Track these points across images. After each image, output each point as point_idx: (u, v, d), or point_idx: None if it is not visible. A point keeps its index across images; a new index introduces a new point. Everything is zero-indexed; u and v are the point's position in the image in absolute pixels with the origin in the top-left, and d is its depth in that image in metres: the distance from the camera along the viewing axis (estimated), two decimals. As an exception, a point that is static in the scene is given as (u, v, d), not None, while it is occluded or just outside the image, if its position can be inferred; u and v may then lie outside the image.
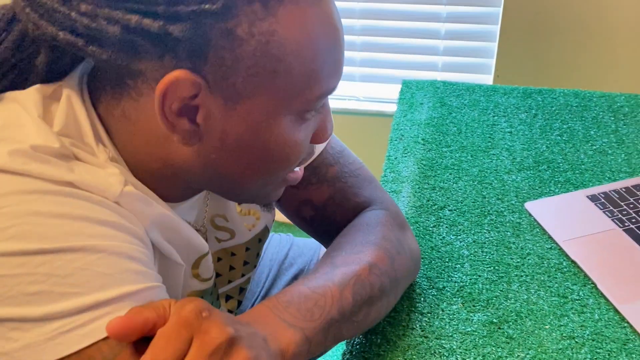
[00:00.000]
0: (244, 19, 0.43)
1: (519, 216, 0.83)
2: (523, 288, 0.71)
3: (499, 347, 0.64)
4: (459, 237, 0.80)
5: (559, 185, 0.89)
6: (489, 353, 0.63)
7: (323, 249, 0.96)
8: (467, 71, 1.70)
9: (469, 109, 1.11)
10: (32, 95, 0.48)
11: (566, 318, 0.67)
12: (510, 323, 0.67)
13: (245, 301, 0.90)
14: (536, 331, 0.66)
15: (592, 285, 0.72)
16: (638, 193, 0.85)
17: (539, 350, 0.64)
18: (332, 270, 0.57)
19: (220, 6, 0.43)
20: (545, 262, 0.75)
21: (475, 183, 0.91)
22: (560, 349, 0.64)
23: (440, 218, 0.83)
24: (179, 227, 0.55)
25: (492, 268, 0.74)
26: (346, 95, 1.83)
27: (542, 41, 1.52)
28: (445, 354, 0.63)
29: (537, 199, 0.86)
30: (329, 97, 0.54)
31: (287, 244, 0.96)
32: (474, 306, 0.69)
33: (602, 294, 0.70)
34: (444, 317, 0.68)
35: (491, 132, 1.03)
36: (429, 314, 0.68)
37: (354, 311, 0.55)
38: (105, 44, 0.44)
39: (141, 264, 0.46)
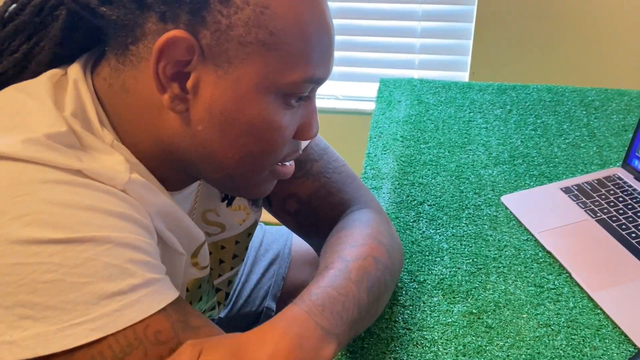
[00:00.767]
0: None
1: (495, 209, 0.86)
2: (501, 279, 0.74)
3: (478, 337, 0.66)
4: (438, 231, 0.82)
5: (534, 178, 0.92)
6: (469, 343, 0.65)
7: (295, 236, 0.97)
8: (443, 68, 1.72)
9: (445, 106, 1.13)
10: (43, 84, 0.50)
11: (542, 307, 0.70)
12: (489, 313, 0.69)
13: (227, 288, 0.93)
14: (514, 320, 0.68)
15: (567, 274, 0.74)
16: (609, 184, 0.88)
17: (517, 338, 0.66)
18: (345, 265, 0.57)
19: None
20: (521, 253, 0.78)
21: (453, 178, 0.93)
22: (537, 337, 0.66)
23: (420, 213, 0.85)
24: (181, 217, 0.56)
25: (470, 260, 0.77)
26: (325, 94, 1.84)
27: (515, 38, 1.56)
28: (427, 344, 0.65)
29: (512, 192, 0.89)
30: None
31: (261, 232, 0.99)
32: (454, 298, 0.71)
33: (576, 282, 0.73)
34: (425, 309, 0.70)
35: (467, 128, 1.05)
36: (411, 307, 0.70)
37: (369, 309, 0.57)
38: (115, 2, 0.48)
39: (147, 255, 0.47)
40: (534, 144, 1.00)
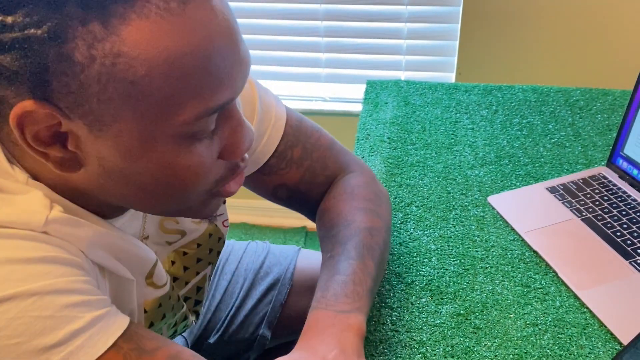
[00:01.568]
0: (80, 42, 0.39)
1: (482, 210, 0.86)
2: (488, 279, 0.74)
3: (466, 338, 0.66)
4: (426, 232, 0.82)
5: (520, 178, 0.93)
6: (457, 343, 0.66)
7: (300, 256, 0.95)
8: (430, 70, 1.73)
9: (432, 107, 1.13)
10: None
11: (529, 306, 0.70)
12: (477, 314, 0.69)
13: (219, 312, 0.89)
14: (501, 320, 0.69)
15: (554, 273, 0.75)
16: (594, 184, 0.89)
17: (504, 338, 0.66)
18: (343, 247, 0.63)
19: (47, 30, 0.39)
20: (508, 253, 0.78)
21: (440, 179, 0.93)
22: (524, 336, 0.66)
23: (408, 214, 0.86)
24: (119, 242, 0.53)
25: (458, 261, 0.77)
26: (313, 96, 1.84)
27: (501, 39, 1.57)
28: (415, 346, 0.66)
29: (499, 192, 0.89)
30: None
31: (263, 253, 0.94)
32: (441, 299, 0.71)
33: (562, 281, 0.73)
34: (414, 310, 0.70)
35: (454, 129, 1.06)
36: (399, 309, 0.70)
37: (377, 272, 0.64)
38: None
39: (83, 294, 0.44)
40: (520, 144, 1.01)
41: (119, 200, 0.50)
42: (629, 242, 0.77)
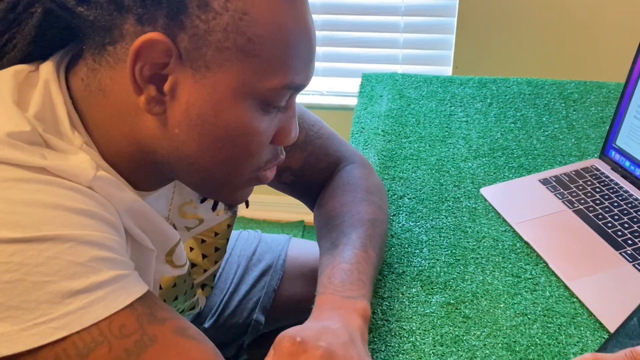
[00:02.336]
0: None
1: (474, 201, 0.87)
2: (479, 270, 0.75)
3: (456, 327, 0.67)
4: (418, 223, 0.83)
5: (513, 170, 0.93)
6: (446, 333, 0.66)
7: (292, 245, 0.98)
8: (427, 63, 1.73)
9: (426, 100, 1.14)
10: (6, 81, 0.49)
11: (519, 296, 0.71)
12: (467, 303, 0.70)
13: (214, 297, 0.91)
14: (491, 310, 0.69)
15: (544, 264, 0.75)
16: (587, 175, 0.89)
17: (494, 327, 0.67)
18: (347, 237, 0.67)
19: None
20: (499, 244, 0.79)
21: (433, 171, 0.93)
22: (514, 326, 0.67)
23: (400, 207, 0.86)
24: (150, 215, 0.56)
25: (449, 252, 0.77)
26: (310, 90, 1.85)
27: (497, 32, 1.57)
28: (405, 335, 0.66)
29: (492, 184, 0.90)
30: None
31: (255, 241, 0.97)
32: (432, 289, 0.72)
33: (553, 272, 0.74)
34: (404, 300, 0.70)
35: (448, 122, 1.06)
36: (389, 298, 0.71)
37: (378, 262, 0.67)
38: (93, 3, 0.47)
39: (112, 252, 0.47)
40: (514, 136, 1.01)
41: (176, 157, 0.52)
42: (619, 233, 0.78)
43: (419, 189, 0.90)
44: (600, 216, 0.81)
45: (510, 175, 0.92)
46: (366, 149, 1.00)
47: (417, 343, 0.65)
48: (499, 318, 0.68)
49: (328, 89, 1.85)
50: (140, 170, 0.55)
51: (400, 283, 0.73)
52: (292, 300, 0.93)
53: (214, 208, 0.72)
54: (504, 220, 0.83)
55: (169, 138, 0.51)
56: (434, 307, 0.69)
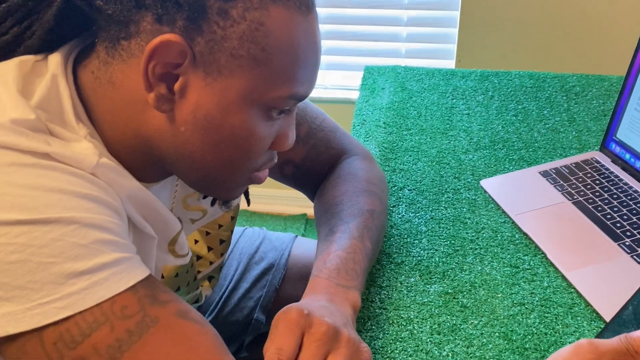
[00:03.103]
0: (241, 3, 0.48)
1: (474, 193, 0.87)
2: (477, 260, 0.75)
3: (453, 316, 0.67)
4: (418, 214, 0.83)
5: (513, 162, 0.93)
6: (444, 321, 0.67)
7: (296, 244, 0.96)
8: (430, 57, 1.73)
9: (428, 93, 1.14)
10: (11, 70, 0.50)
11: (517, 286, 0.71)
12: (465, 293, 0.70)
13: (213, 294, 0.91)
14: (489, 300, 0.69)
15: (542, 255, 0.75)
16: (587, 168, 0.89)
17: (491, 317, 0.67)
18: (346, 225, 0.68)
19: None
20: (498, 235, 0.79)
21: (434, 163, 0.94)
22: (511, 315, 0.67)
23: (400, 198, 0.87)
24: (153, 203, 0.57)
25: (448, 242, 0.78)
26: (313, 84, 1.85)
27: (500, 26, 1.56)
28: (403, 323, 0.67)
29: (492, 176, 0.90)
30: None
31: (259, 238, 0.96)
32: (430, 278, 0.72)
33: (551, 263, 0.74)
34: (402, 289, 0.71)
35: (449, 115, 1.07)
36: (388, 287, 0.71)
37: (373, 253, 0.68)
38: None
39: (115, 235, 0.48)
40: (515, 129, 1.02)
41: (179, 153, 0.54)
42: (618, 224, 0.78)
43: (419, 181, 0.90)
44: (599, 208, 0.81)
45: (511, 168, 0.92)
46: (367, 141, 1.00)
47: (415, 331, 0.66)
48: (497, 307, 0.68)
49: (331, 83, 1.85)
50: (143, 162, 0.56)
51: (399, 272, 0.73)
52: (293, 299, 0.90)
53: (212, 203, 0.72)
54: (504, 212, 0.83)
55: (174, 135, 0.52)
56: (432, 296, 0.70)
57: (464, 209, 0.84)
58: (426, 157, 0.95)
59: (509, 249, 0.77)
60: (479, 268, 0.74)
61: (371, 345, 0.64)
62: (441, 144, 0.98)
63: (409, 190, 0.88)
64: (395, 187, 0.89)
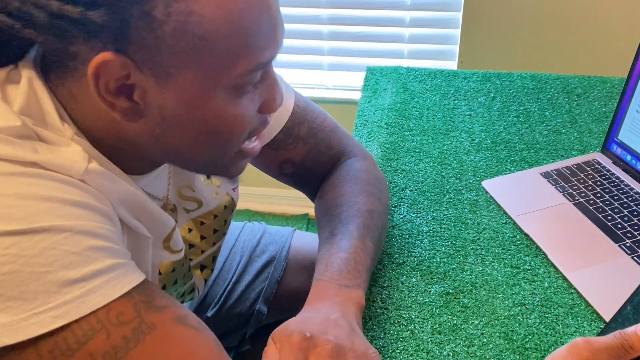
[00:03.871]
0: (160, 1, 0.45)
1: (476, 194, 0.87)
2: (478, 260, 0.75)
3: (454, 316, 0.68)
4: (419, 215, 0.83)
5: (515, 163, 0.94)
6: (445, 321, 0.67)
7: (295, 237, 0.98)
8: (432, 58, 1.73)
9: (430, 94, 1.14)
10: None
11: (518, 287, 0.71)
12: (466, 293, 0.71)
13: (217, 287, 0.92)
14: (490, 300, 0.70)
15: (543, 256, 0.76)
16: (588, 169, 0.90)
17: (492, 317, 0.68)
18: (346, 227, 0.68)
19: None
20: (500, 236, 0.79)
21: (436, 164, 0.94)
22: (511, 315, 0.68)
23: (402, 198, 0.87)
24: (145, 203, 0.57)
25: (449, 243, 0.78)
26: (315, 84, 1.85)
27: (503, 27, 1.57)
28: (404, 323, 0.67)
29: (493, 177, 0.90)
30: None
31: (259, 232, 0.98)
32: (431, 278, 0.73)
33: (552, 263, 0.74)
34: (403, 289, 0.71)
35: (451, 116, 1.07)
36: (389, 287, 0.72)
37: (375, 252, 0.68)
38: (38, 27, 0.46)
39: (108, 241, 0.48)
40: (516, 130, 1.02)
41: (164, 150, 0.54)
42: (619, 226, 0.78)
43: (421, 181, 0.90)
44: (600, 209, 0.81)
45: (512, 169, 0.92)
46: (369, 141, 1.01)
47: (416, 331, 0.66)
48: (497, 308, 0.69)
49: (333, 83, 1.85)
50: (131, 158, 0.56)
51: (400, 272, 0.74)
52: (295, 291, 0.93)
53: (208, 176, 0.73)
54: (505, 213, 0.83)
55: (153, 137, 0.52)
56: (433, 297, 0.70)
57: (466, 210, 0.84)
58: (428, 157, 0.96)
59: (510, 250, 0.77)
60: (480, 268, 0.74)
61: (373, 345, 0.64)
62: (443, 145, 0.99)
63: (410, 190, 0.88)
64: (397, 188, 0.89)
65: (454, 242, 0.78)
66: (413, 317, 0.68)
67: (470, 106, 1.09)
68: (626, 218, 0.79)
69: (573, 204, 0.83)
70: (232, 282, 0.93)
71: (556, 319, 0.67)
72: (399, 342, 0.65)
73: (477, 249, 0.77)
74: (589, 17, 1.50)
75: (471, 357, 0.63)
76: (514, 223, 0.81)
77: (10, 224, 0.44)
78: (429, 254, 0.77)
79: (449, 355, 0.63)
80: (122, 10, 0.45)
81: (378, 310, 0.68)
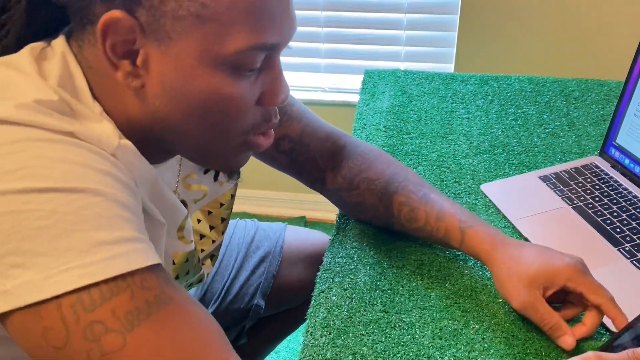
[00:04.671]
0: None
1: (475, 197, 0.87)
2: (478, 265, 0.75)
3: (455, 320, 0.68)
4: (419, 218, 0.83)
5: (513, 167, 0.94)
6: (445, 326, 0.67)
7: (288, 232, 1.00)
8: (429, 61, 1.73)
9: (428, 97, 1.14)
10: (24, 56, 0.51)
11: (518, 291, 0.71)
12: (466, 298, 0.71)
13: (216, 284, 0.94)
14: (490, 304, 0.70)
15: (543, 259, 0.76)
16: (587, 173, 0.90)
17: (492, 322, 0.68)
18: (429, 188, 0.76)
19: None
20: (499, 239, 0.79)
21: (434, 167, 0.94)
22: (512, 320, 0.68)
23: (401, 201, 0.87)
24: (164, 189, 0.58)
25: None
26: (312, 87, 1.85)
27: (500, 30, 1.57)
28: (404, 327, 0.67)
29: (492, 181, 0.90)
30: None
31: (253, 229, 0.99)
32: (431, 283, 0.73)
33: (551, 267, 0.74)
34: (404, 293, 0.71)
35: (449, 119, 1.07)
36: (389, 291, 0.72)
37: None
38: None
39: (134, 215, 0.49)
40: (515, 133, 1.02)
41: (167, 130, 0.54)
42: (618, 229, 0.78)
43: (420, 185, 0.90)
44: (599, 213, 0.81)
45: (511, 172, 0.92)
46: (368, 144, 1.01)
47: (417, 336, 0.66)
48: (498, 312, 0.69)
49: (330, 86, 1.85)
50: (145, 143, 0.56)
51: (400, 276, 0.74)
52: (290, 285, 0.96)
53: (215, 178, 0.73)
54: (504, 216, 0.83)
55: (153, 111, 0.53)
56: (434, 301, 0.70)
57: (465, 213, 0.84)
58: (426, 161, 0.96)
59: (509, 254, 0.77)
60: (480, 273, 0.74)
61: (373, 349, 0.64)
62: (441, 148, 0.99)
63: (409, 194, 0.88)
64: (396, 191, 0.89)
65: (453, 246, 0.78)
66: (414, 321, 0.68)
67: (468, 109, 1.10)
68: (625, 222, 0.79)
69: (572, 207, 0.83)
70: (230, 279, 0.94)
71: (556, 323, 0.67)
72: (399, 347, 0.65)
73: (477, 253, 0.77)
74: (586, 20, 1.51)
75: (472, 361, 0.63)
76: (513, 227, 0.81)
77: (49, 181, 0.45)
78: (428, 258, 0.76)
79: None
80: None
81: (378, 314, 0.68)
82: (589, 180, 0.88)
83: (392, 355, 0.64)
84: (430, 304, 0.70)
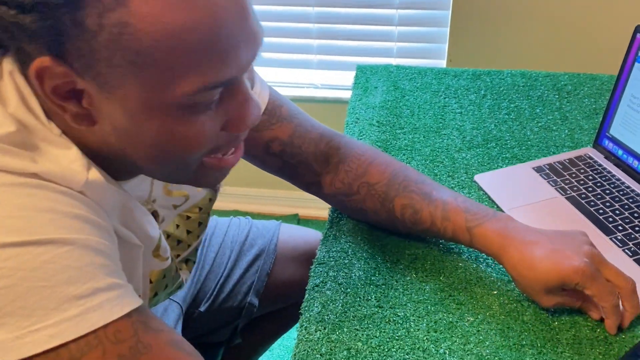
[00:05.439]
0: (93, 10, 0.41)
1: (468, 190, 0.87)
2: (472, 257, 0.75)
3: (449, 313, 0.67)
4: (412, 212, 0.83)
5: (506, 160, 0.93)
6: (440, 319, 0.67)
7: (282, 230, 0.99)
8: (421, 56, 1.73)
9: (421, 92, 1.14)
10: None
11: (512, 283, 0.71)
12: (461, 290, 0.70)
13: (209, 282, 0.93)
14: (485, 297, 0.69)
15: (537, 251, 0.75)
16: (580, 164, 0.90)
17: (487, 314, 0.67)
18: (432, 185, 0.75)
19: None
20: (493, 232, 0.79)
21: (428, 162, 0.94)
22: (507, 312, 0.67)
23: (394, 195, 0.86)
24: (136, 213, 0.56)
25: (443, 240, 0.78)
26: (304, 83, 1.85)
27: (491, 25, 1.57)
28: (399, 321, 0.66)
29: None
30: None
31: (247, 227, 0.98)
32: (426, 276, 0.72)
33: (546, 259, 0.74)
34: (398, 287, 0.71)
35: (442, 113, 1.07)
36: (384, 286, 0.71)
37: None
38: None
39: (108, 259, 0.46)
40: (507, 127, 1.02)
41: (128, 159, 0.51)
42: (610, 219, 0.78)
43: (413, 179, 0.90)
44: (592, 203, 0.81)
45: (504, 166, 0.92)
46: (361, 139, 1.00)
47: (412, 329, 0.66)
48: (493, 304, 0.68)
49: (322, 82, 1.85)
50: (108, 162, 0.53)
51: (395, 271, 0.73)
52: (284, 283, 0.95)
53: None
54: (498, 207, 0.83)
55: (110, 145, 0.50)
56: (428, 294, 0.70)
57: (459, 207, 0.84)
58: (420, 155, 0.95)
59: (503, 246, 0.77)
60: (474, 265, 0.74)
61: (368, 344, 0.64)
62: (434, 143, 0.98)
63: (403, 188, 0.88)
64: (390, 186, 0.89)
65: (447, 239, 0.78)
66: (408, 315, 0.67)
67: (460, 104, 1.09)
68: (617, 211, 0.79)
69: (565, 197, 0.83)
70: (223, 277, 0.93)
71: (551, 315, 0.67)
72: (394, 341, 0.64)
73: (471, 246, 0.77)
74: (577, 15, 1.51)
75: (467, 354, 0.63)
76: (507, 219, 0.81)
77: (10, 235, 0.42)
78: (422, 252, 0.76)
79: (445, 353, 0.63)
80: (53, 17, 0.42)
81: (373, 309, 0.68)
82: (582, 171, 0.88)
83: (387, 350, 0.63)
84: (424, 298, 0.69)
